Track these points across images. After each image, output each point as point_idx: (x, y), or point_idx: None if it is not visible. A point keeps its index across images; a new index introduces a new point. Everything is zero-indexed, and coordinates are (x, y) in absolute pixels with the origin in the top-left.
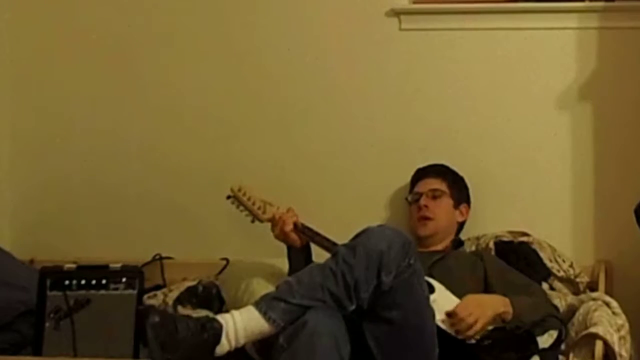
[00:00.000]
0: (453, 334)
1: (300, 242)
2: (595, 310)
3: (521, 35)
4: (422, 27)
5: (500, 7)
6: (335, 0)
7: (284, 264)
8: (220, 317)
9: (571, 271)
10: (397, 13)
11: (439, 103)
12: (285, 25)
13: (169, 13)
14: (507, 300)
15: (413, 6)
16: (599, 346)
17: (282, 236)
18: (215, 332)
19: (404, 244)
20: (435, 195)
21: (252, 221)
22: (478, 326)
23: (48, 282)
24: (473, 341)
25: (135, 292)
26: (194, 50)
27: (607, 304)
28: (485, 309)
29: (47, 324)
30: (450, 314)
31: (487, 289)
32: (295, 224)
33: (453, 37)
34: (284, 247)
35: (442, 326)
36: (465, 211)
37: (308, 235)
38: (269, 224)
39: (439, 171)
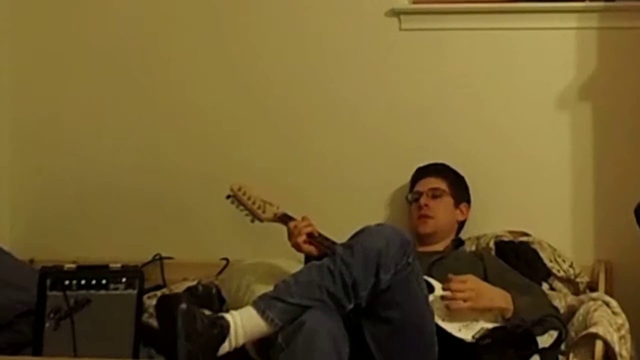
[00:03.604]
0: (441, 322)
1: (318, 252)
2: (595, 310)
3: (521, 35)
4: (422, 27)
5: (500, 7)
6: (335, 0)
7: (284, 264)
8: None
9: (571, 271)
10: (397, 13)
11: (438, 103)
12: (285, 26)
13: (168, 15)
14: (508, 296)
15: (413, 6)
16: (599, 346)
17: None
18: (223, 329)
19: (402, 242)
20: (435, 194)
21: (252, 221)
22: (464, 306)
23: (48, 282)
24: (472, 340)
25: (135, 292)
26: (194, 51)
27: (607, 304)
28: (481, 296)
29: (47, 324)
30: (447, 280)
31: None
32: (311, 234)
33: (453, 37)
34: (284, 247)
35: (442, 325)
36: (465, 210)
37: (325, 245)
38: (269, 224)
39: (439, 170)
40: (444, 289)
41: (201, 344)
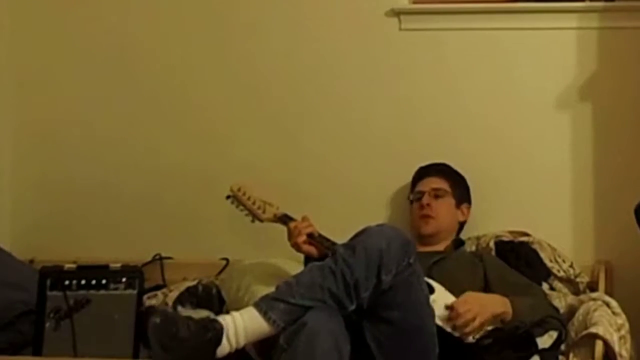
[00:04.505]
0: (450, 329)
1: (318, 252)
2: (595, 310)
3: (521, 35)
4: (422, 27)
5: (500, 7)
6: (335, 0)
7: (284, 264)
8: (221, 318)
9: (571, 271)
10: (397, 13)
11: (438, 103)
12: (285, 26)
13: (171, 16)
14: (506, 300)
15: (413, 6)
16: (599, 346)
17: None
18: (217, 333)
19: (403, 243)
20: (437, 194)
21: (252, 221)
22: (476, 323)
23: (48, 282)
24: (472, 340)
25: (135, 292)
26: (194, 52)
27: (607, 304)
28: (485, 308)
29: (47, 324)
30: (449, 307)
31: (486, 290)
32: (311, 234)
33: (453, 37)
34: (284, 247)
35: (442, 326)
36: (466, 211)
37: (325, 246)
38: (269, 224)
39: (441, 170)
40: (450, 318)
41: (187, 351)
